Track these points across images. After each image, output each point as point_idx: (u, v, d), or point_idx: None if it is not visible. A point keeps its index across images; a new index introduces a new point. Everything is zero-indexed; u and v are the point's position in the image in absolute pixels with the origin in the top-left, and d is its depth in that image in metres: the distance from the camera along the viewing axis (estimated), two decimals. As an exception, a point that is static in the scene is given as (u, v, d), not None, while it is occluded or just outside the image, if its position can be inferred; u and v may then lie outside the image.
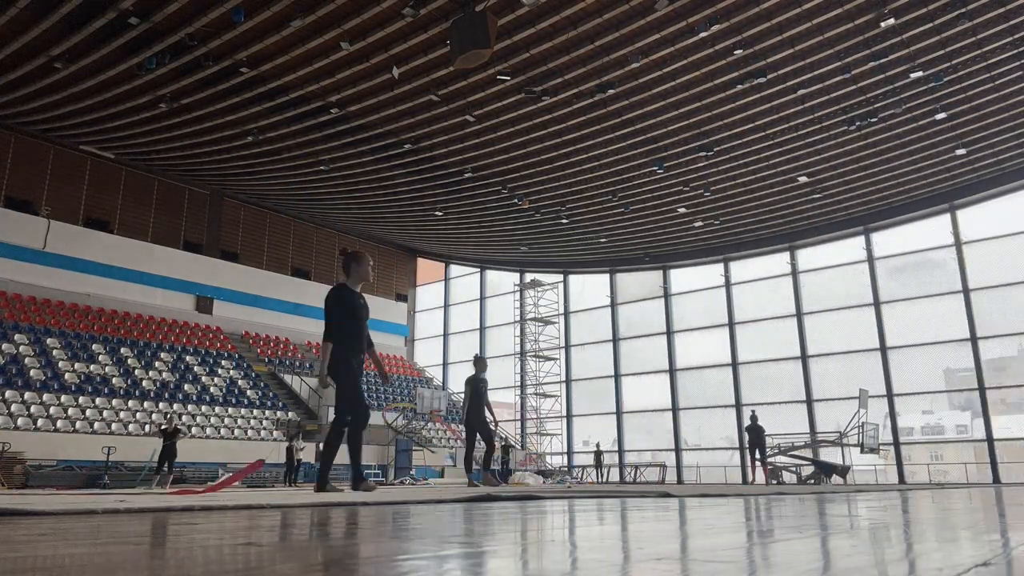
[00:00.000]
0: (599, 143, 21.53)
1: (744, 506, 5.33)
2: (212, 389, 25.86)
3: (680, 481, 29.32)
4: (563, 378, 34.49)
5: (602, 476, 29.25)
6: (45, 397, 21.21)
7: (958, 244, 25.57)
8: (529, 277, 35.73)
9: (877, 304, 27.04)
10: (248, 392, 26.93)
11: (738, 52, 16.93)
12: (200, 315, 30.28)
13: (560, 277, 35.74)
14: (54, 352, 23.48)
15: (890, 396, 26.25)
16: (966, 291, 25.19)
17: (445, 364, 38.52)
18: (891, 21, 15.75)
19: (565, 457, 34.13)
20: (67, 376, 22.66)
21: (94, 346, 24.81)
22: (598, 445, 29.87)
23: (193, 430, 23.01)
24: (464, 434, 11.40)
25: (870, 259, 27.45)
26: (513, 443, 33.69)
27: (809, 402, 27.84)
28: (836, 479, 23.52)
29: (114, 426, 21.28)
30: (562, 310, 35.17)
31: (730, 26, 16.12)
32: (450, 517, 3.72)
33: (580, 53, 17.15)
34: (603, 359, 33.49)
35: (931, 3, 15.44)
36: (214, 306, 30.87)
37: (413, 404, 28.33)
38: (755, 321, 29.92)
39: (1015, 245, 24.69)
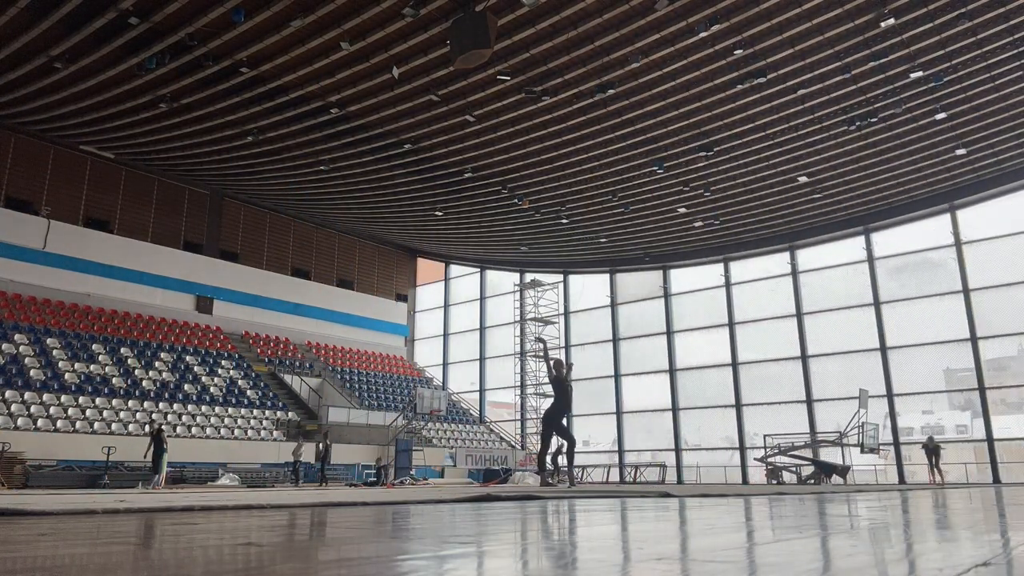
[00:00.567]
0: (599, 143, 21.52)
1: (744, 506, 5.33)
2: (212, 389, 25.86)
3: (680, 481, 29.32)
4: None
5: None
6: (45, 397, 21.20)
7: (958, 244, 25.56)
8: (529, 277, 35.72)
9: (877, 304, 27.04)
10: (248, 392, 26.93)
11: (738, 52, 16.93)
12: (200, 315, 30.29)
13: (560, 277, 35.74)
14: (54, 352, 23.48)
15: (890, 396, 26.24)
16: (966, 291, 25.19)
17: (445, 364, 38.52)
18: (891, 21, 15.74)
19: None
20: (67, 376, 22.66)
21: (94, 346, 24.80)
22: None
23: (193, 430, 23.00)
24: (542, 433, 11.51)
25: (870, 259, 27.44)
26: (513, 443, 33.71)
27: (809, 402, 27.84)
28: (836, 479, 23.52)
29: (114, 426, 21.28)
30: (562, 310, 35.17)
31: (730, 26, 16.11)
32: (450, 517, 3.72)
33: (580, 53, 17.15)
34: (603, 359, 33.48)
35: (931, 3, 15.43)
36: (214, 306, 30.87)
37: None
38: (755, 321, 29.91)
39: (1015, 245, 24.68)
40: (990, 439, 24.28)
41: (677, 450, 30.55)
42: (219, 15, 15.89)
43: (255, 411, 25.70)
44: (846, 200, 25.73)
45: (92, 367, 23.60)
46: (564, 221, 28.06)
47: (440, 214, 28.88)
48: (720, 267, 31.01)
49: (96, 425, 20.98)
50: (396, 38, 16.78)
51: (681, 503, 5.90)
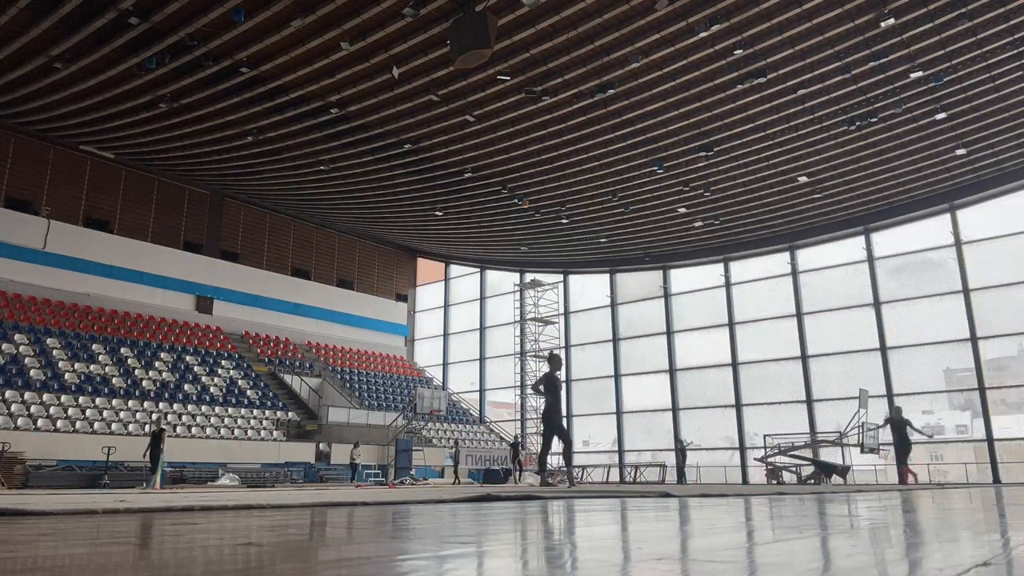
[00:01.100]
0: (599, 143, 21.52)
1: (744, 506, 5.33)
2: (212, 389, 25.86)
3: (678, 481, 29.31)
4: (563, 378, 34.48)
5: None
6: (45, 397, 21.21)
7: (958, 244, 25.56)
8: (529, 277, 35.73)
9: (877, 304, 27.04)
10: (248, 392, 26.93)
11: (738, 52, 16.92)
12: (200, 315, 30.29)
13: (560, 277, 35.74)
14: (54, 352, 23.48)
15: (890, 396, 26.23)
16: (966, 291, 25.18)
17: (445, 364, 38.52)
18: (891, 21, 15.74)
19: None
20: (67, 376, 22.66)
21: (94, 346, 24.81)
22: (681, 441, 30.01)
23: (193, 430, 23.00)
24: (543, 433, 11.41)
25: (870, 259, 27.44)
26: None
27: (809, 402, 27.84)
28: (836, 479, 23.52)
29: (114, 426, 21.28)
30: (562, 310, 35.16)
31: (730, 26, 16.11)
32: (450, 517, 3.72)
33: (580, 53, 17.15)
34: (603, 359, 33.48)
35: (931, 3, 15.43)
36: (214, 306, 30.87)
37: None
38: (755, 321, 29.91)
39: (1015, 245, 24.67)
40: (990, 439, 24.27)
41: (676, 450, 30.53)
42: (219, 15, 15.89)
43: (255, 411, 25.70)
44: (846, 200, 25.73)
45: (92, 367, 23.60)
46: (564, 221, 28.06)
47: (440, 214, 28.88)
48: (720, 267, 31.00)
49: (96, 425, 20.98)
50: (396, 38, 16.78)
51: (681, 503, 5.90)
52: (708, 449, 30.26)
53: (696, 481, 28.37)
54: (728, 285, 30.66)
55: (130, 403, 22.74)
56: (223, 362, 28.02)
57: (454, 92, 19.05)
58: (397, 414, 29.04)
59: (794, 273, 29.07)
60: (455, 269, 39.47)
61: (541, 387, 11.07)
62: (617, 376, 32.81)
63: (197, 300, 30.43)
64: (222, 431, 23.68)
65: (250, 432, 24.38)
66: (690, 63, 17.48)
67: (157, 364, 25.68)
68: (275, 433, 25.04)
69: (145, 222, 29.59)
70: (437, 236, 34.75)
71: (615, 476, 30.64)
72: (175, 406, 23.70)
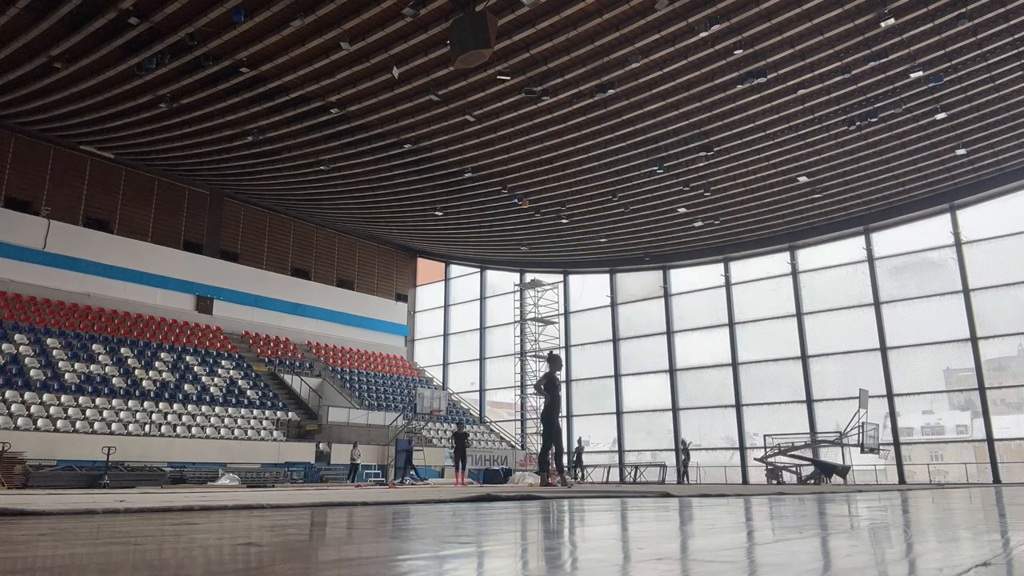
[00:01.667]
0: (599, 143, 21.52)
1: (744, 506, 5.33)
2: (212, 389, 25.85)
3: (680, 481, 29.30)
4: (563, 378, 34.49)
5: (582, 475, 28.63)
6: (45, 397, 21.20)
7: (958, 244, 25.56)
8: (529, 277, 35.73)
9: (877, 304, 27.04)
10: (248, 392, 26.92)
11: (738, 52, 16.92)
12: (200, 315, 30.28)
13: (560, 277, 35.74)
14: (54, 352, 23.47)
15: (890, 396, 26.24)
16: (966, 291, 25.18)
17: (445, 364, 38.52)
18: (891, 21, 15.74)
19: (565, 457, 34.13)
20: (67, 376, 22.65)
21: (94, 346, 24.80)
22: (579, 441, 29.88)
23: (193, 430, 23.00)
24: (543, 432, 11.44)
25: (870, 259, 27.44)
26: (513, 443, 33.69)
27: (809, 402, 27.84)
28: (836, 479, 23.52)
29: (114, 426, 21.27)
30: (562, 310, 35.16)
31: (730, 26, 16.11)
32: (450, 517, 3.72)
33: (580, 53, 17.14)
34: (603, 359, 33.48)
35: (931, 3, 15.43)
36: (214, 306, 30.87)
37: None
38: (755, 321, 29.91)
39: (1015, 245, 24.68)
40: (990, 439, 24.27)
41: (677, 450, 30.54)
42: (219, 15, 15.89)
43: (255, 411, 25.70)
44: (846, 200, 25.73)
45: (92, 367, 23.59)
46: (564, 221, 28.06)
47: (440, 214, 28.88)
48: (720, 267, 31.01)
49: (96, 425, 20.97)
50: (396, 38, 16.77)
51: (681, 503, 5.90)
52: (708, 449, 30.27)
53: (696, 481, 28.37)
54: (728, 285, 30.66)
55: (130, 403, 22.74)
56: (223, 362, 28.02)
57: (454, 92, 19.04)
58: (397, 414, 29.04)
59: (794, 273, 29.07)
60: (455, 269, 39.47)
61: (543, 387, 11.10)
62: (617, 376, 32.81)
63: (197, 300, 30.43)
64: (222, 431, 23.68)
65: (250, 432, 24.38)
66: (690, 63, 17.48)
67: (157, 364, 25.68)
68: (275, 433, 25.03)
69: (145, 222, 29.58)
70: (437, 236, 34.75)
71: (615, 476, 30.64)
72: (175, 406, 23.69)
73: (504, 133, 21.23)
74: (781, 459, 24.98)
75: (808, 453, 25.24)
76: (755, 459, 26.74)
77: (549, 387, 11.08)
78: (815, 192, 24.76)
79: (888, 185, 24.51)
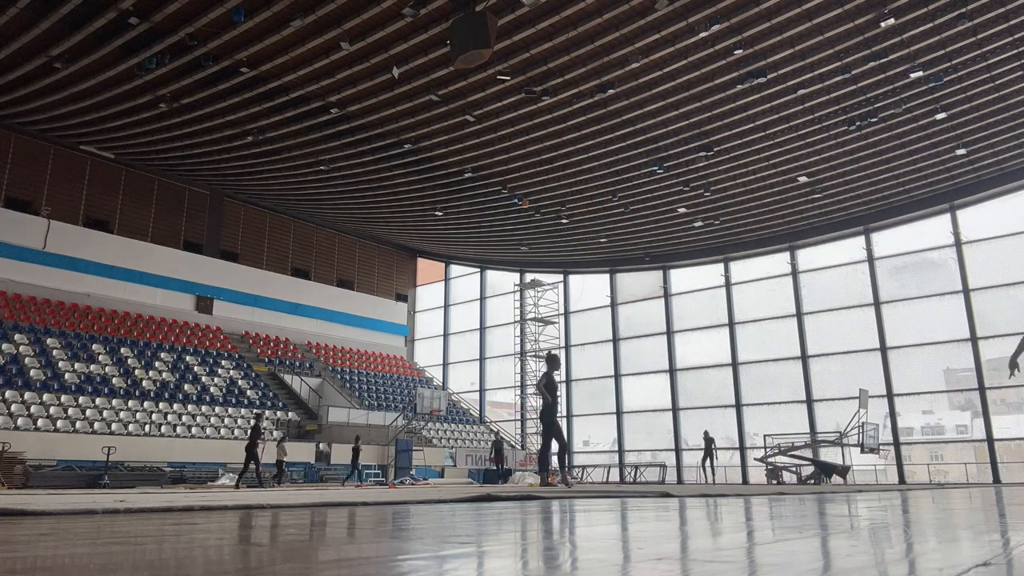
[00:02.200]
0: (599, 143, 21.52)
1: (744, 506, 5.33)
2: (212, 389, 25.85)
3: (680, 481, 29.32)
4: (563, 378, 34.49)
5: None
6: (45, 397, 21.20)
7: (958, 244, 25.56)
8: (529, 277, 35.72)
9: (877, 304, 27.04)
10: (248, 392, 26.92)
11: (738, 52, 16.92)
12: (200, 315, 30.28)
13: (560, 277, 35.74)
14: (54, 352, 23.47)
15: (890, 396, 26.23)
16: (966, 291, 25.18)
17: (445, 364, 38.51)
18: (891, 21, 15.74)
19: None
20: (67, 376, 22.65)
21: (94, 346, 24.80)
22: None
23: (193, 430, 23.00)
24: (542, 433, 11.52)
25: (870, 259, 27.44)
26: (513, 443, 33.69)
27: (809, 402, 27.84)
28: (836, 479, 23.51)
29: (114, 426, 21.27)
30: (562, 310, 35.16)
31: (730, 26, 16.11)
32: (450, 517, 3.72)
33: (580, 53, 17.14)
34: (603, 359, 33.48)
35: (931, 3, 15.43)
36: (214, 306, 30.87)
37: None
38: (755, 321, 29.91)
39: (1015, 245, 24.67)
40: (990, 439, 24.28)
41: (677, 450, 30.55)
42: (219, 15, 15.89)
43: (255, 411, 25.69)
44: (846, 200, 25.73)
45: (92, 367, 23.60)
46: (564, 221, 28.06)
47: (440, 214, 28.88)
48: (720, 267, 31.01)
49: (96, 425, 20.98)
50: (396, 38, 16.77)
51: (681, 503, 5.90)
52: (708, 449, 30.25)
53: (696, 481, 28.36)
54: (728, 285, 30.66)
55: (130, 403, 22.74)
56: (223, 362, 28.02)
57: (454, 92, 19.04)
58: (397, 414, 29.04)
59: (794, 273, 29.07)
60: (455, 269, 39.47)
61: (543, 388, 11.14)
62: (617, 376, 32.81)
63: (197, 300, 30.43)
64: (222, 431, 23.68)
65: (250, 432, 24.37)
66: (690, 63, 17.48)
67: (157, 364, 25.68)
68: (275, 433, 25.03)
69: (145, 222, 29.58)
70: (437, 236, 34.75)
71: (615, 476, 30.64)
72: (175, 406, 23.69)
73: (504, 133, 21.23)
74: (781, 459, 24.98)
75: (808, 453, 25.24)
76: (755, 459, 26.73)
77: (548, 387, 11.12)
78: (815, 192, 24.76)
79: (888, 185, 24.51)
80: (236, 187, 30.33)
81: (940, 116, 19.67)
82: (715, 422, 30.23)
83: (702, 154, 21.80)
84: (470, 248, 36.39)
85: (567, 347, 34.68)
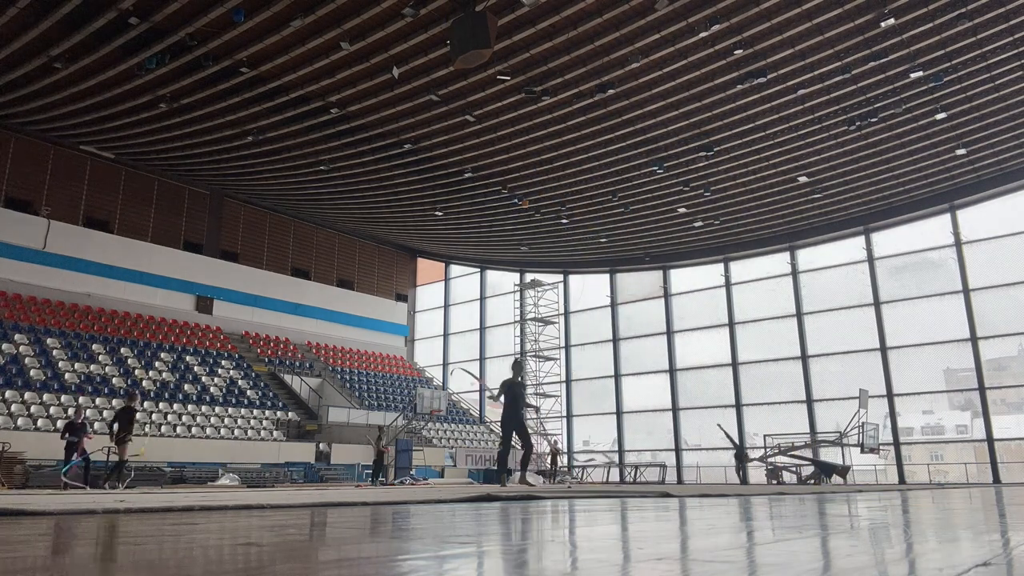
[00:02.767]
0: (599, 143, 21.52)
1: (744, 506, 5.33)
2: (212, 389, 25.85)
3: (680, 481, 29.32)
4: (563, 378, 34.50)
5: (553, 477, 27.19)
6: (45, 397, 21.19)
7: (958, 244, 25.56)
8: (529, 277, 35.72)
9: (877, 304, 27.04)
10: (248, 392, 26.92)
11: (738, 52, 16.92)
12: (200, 315, 30.28)
13: (560, 277, 35.73)
14: (54, 352, 23.47)
15: (890, 396, 26.24)
16: (966, 291, 25.18)
17: (445, 364, 38.50)
18: (891, 21, 15.74)
19: (565, 457, 34.13)
20: (67, 376, 22.65)
21: (94, 346, 24.79)
22: (555, 443, 29.53)
23: (193, 430, 22.99)
24: (501, 435, 11.71)
25: (870, 259, 27.44)
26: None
27: (809, 402, 27.84)
28: (836, 479, 23.52)
29: (114, 426, 21.24)
30: (562, 310, 35.16)
31: (730, 26, 16.11)
32: (450, 517, 3.72)
33: (580, 53, 17.14)
34: (603, 359, 33.47)
35: (931, 3, 15.43)
36: (214, 306, 30.86)
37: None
38: (755, 321, 29.91)
39: (1015, 245, 24.68)
40: (990, 439, 24.28)
41: (677, 450, 30.55)
42: (219, 15, 15.89)
43: (255, 411, 25.69)
44: (846, 200, 25.73)
45: (92, 367, 23.59)
46: (564, 221, 28.06)
47: (440, 214, 28.88)
48: (720, 267, 31.01)
49: (96, 425, 20.96)
50: (396, 38, 16.77)
51: (681, 503, 5.90)
52: (708, 449, 30.26)
53: (696, 481, 28.36)
54: (728, 285, 30.66)
55: (130, 403, 22.71)
56: (223, 362, 28.01)
57: (454, 92, 19.04)
58: (397, 414, 29.03)
59: (794, 273, 29.07)
60: (455, 269, 39.46)
61: (499, 392, 11.29)
62: (617, 376, 32.81)
63: (197, 300, 30.42)
64: (222, 431, 23.67)
65: (250, 432, 24.38)
66: (690, 63, 17.48)
67: (157, 364, 25.67)
68: (275, 433, 25.03)
69: (145, 222, 29.58)
70: (437, 236, 34.74)
71: (615, 476, 30.64)
72: (175, 406, 23.69)
73: (504, 133, 21.23)
74: (781, 459, 24.98)
75: (808, 453, 25.25)
76: (755, 459, 26.73)
77: (505, 392, 11.29)
78: (815, 192, 24.76)
79: (888, 185, 24.51)
80: (236, 187, 30.33)
81: (940, 116, 19.67)
82: (715, 422, 30.25)
83: (702, 154, 21.80)
84: (470, 248, 36.39)
85: (567, 347, 34.69)
